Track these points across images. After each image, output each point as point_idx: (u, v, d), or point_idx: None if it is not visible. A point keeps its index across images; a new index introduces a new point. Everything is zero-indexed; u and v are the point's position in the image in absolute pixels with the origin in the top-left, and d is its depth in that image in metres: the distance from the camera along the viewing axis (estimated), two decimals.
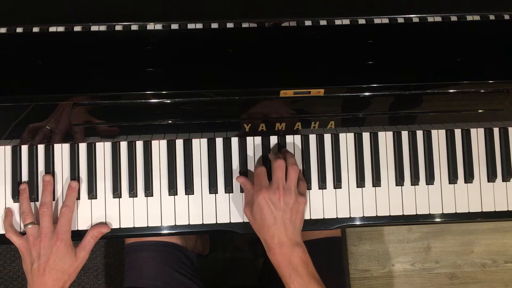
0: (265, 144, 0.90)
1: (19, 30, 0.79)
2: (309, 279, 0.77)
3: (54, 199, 0.86)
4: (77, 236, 0.86)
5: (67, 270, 0.81)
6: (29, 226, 0.82)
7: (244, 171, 0.89)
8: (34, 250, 0.81)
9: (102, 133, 0.85)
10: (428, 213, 0.91)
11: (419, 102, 0.85)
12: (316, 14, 0.81)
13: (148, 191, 0.88)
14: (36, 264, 0.80)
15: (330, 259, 1.01)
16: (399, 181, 0.90)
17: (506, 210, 0.91)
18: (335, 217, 0.90)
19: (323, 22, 0.82)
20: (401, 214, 0.90)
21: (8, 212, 0.86)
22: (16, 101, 0.79)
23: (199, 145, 0.89)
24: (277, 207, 0.79)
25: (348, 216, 0.90)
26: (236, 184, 0.89)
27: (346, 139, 0.90)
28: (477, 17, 0.82)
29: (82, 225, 0.87)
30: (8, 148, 0.87)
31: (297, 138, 0.90)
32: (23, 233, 0.85)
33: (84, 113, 0.81)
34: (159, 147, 0.89)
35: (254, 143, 0.90)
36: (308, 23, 0.82)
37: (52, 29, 0.80)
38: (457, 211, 0.91)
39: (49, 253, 0.80)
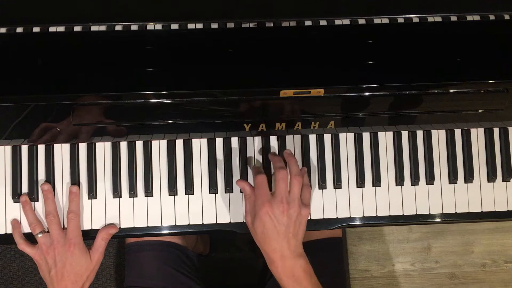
0: (265, 144, 0.90)
1: (19, 30, 0.79)
2: None
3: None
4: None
5: (84, 272, 0.82)
6: (39, 236, 0.83)
7: (244, 171, 0.89)
8: (49, 258, 0.82)
9: (102, 133, 0.85)
10: (428, 213, 0.91)
11: (419, 102, 0.85)
12: (316, 14, 0.81)
13: (148, 191, 0.88)
14: (53, 270, 0.81)
15: (330, 259, 1.01)
16: (399, 181, 0.90)
17: (506, 210, 0.91)
18: (335, 217, 0.90)
19: (323, 22, 0.82)
20: (401, 214, 0.90)
21: (15, 223, 0.86)
22: (16, 101, 0.79)
23: (199, 145, 0.89)
24: (280, 221, 0.78)
25: (348, 216, 0.90)
26: (236, 184, 0.89)
27: (346, 139, 0.90)
28: (477, 17, 0.82)
29: (82, 225, 0.87)
30: (8, 148, 0.87)
31: (297, 138, 0.90)
32: (26, 234, 0.85)
33: (84, 113, 0.81)
34: (159, 147, 0.89)
35: (254, 143, 0.90)
36: (308, 23, 0.82)
37: (52, 29, 0.80)
38: (457, 211, 0.91)
39: (64, 259, 0.81)
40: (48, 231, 0.84)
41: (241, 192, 0.89)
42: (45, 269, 0.82)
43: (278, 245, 0.77)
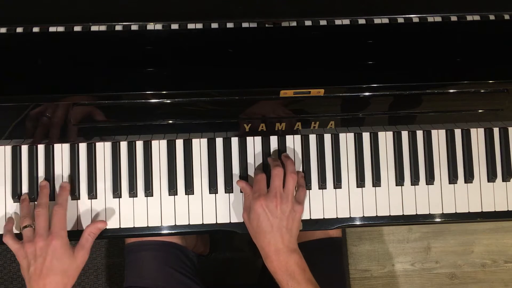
0: (265, 144, 0.90)
1: (19, 30, 0.79)
2: (306, 285, 0.78)
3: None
4: (78, 236, 0.85)
5: (66, 271, 0.78)
6: (25, 229, 0.81)
7: (244, 171, 0.89)
8: (29, 252, 0.78)
9: (102, 133, 0.85)
10: (428, 213, 0.91)
11: (419, 102, 0.85)
12: (316, 14, 0.81)
13: (148, 191, 0.88)
14: (32, 267, 0.77)
15: (330, 259, 1.01)
16: (399, 181, 0.90)
17: (506, 210, 0.91)
18: (335, 217, 0.90)
19: (323, 22, 0.82)
20: (401, 214, 0.90)
21: (10, 218, 0.86)
22: (16, 101, 0.79)
23: (199, 145, 0.89)
24: (273, 214, 0.80)
25: (348, 216, 0.90)
26: (236, 184, 0.89)
27: (346, 139, 0.90)
28: (477, 17, 0.83)
29: (82, 225, 0.87)
30: (8, 148, 0.87)
31: (297, 138, 0.90)
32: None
33: (84, 113, 0.81)
34: (159, 147, 0.89)
35: (254, 143, 0.90)
36: (308, 23, 0.82)
37: (52, 29, 0.80)
38: (457, 211, 0.91)
39: (45, 254, 0.77)
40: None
41: (241, 192, 0.89)
42: (25, 265, 0.78)
43: (273, 238, 0.79)
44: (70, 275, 0.79)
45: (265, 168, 0.89)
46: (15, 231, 0.85)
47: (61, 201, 0.83)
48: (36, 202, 0.87)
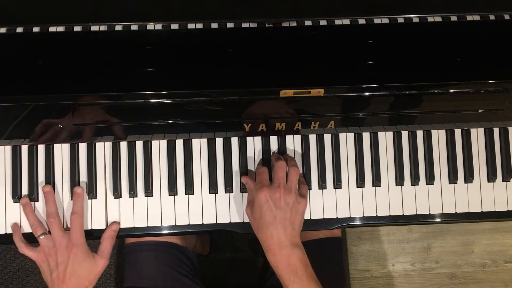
0: (265, 144, 0.90)
1: (19, 30, 0.79)
2: (308, 281, 0.77)
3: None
4: None
5: (87, 275, 0.82)
6: (41, 237, 0.82)
7: (244, 171, 0.89)
8: (51, 260, 0.81)
9: (102, 133, 0.85)
10: (428, 213, 0.91)
11: (419, 102, 0.85)
12: (316, 14, 0.81)
13: (148, 191, 0.88)
14: (55, 273, 0.80)
15: (330, 259, 1.01)
16: (399, 181, 0.90)
17: (506, 210, 0.91)
18: (335, 217, 0.90)
19: (323, 22, 0.82)
20: (401, 214, 0.90)
21: (15, 227, 0.86)
22: (16, 101, 0.79)
23: (199, 145, 0.89)
24: (277, 205, 0.79)
25: (348, 216, 0.90)
26: (236, 184, 0.89)
27: (346, 139, 0.90)
28: (477, 17, 0.83)
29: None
30: (8, 148, 0.87)
31: (297, 138, 0.90)
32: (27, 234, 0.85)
33: (84, 113, 0.81)
34: (159, 147, 0.89)
35: (254, 143, 0.90)
36: (308, 23, 0.82)
37: (52, 29, 0.80)
38: (457, 211, 0.91)
39: (66, 261, 0.80)
40: (50, 232, 0.84)
41: (241, 192, 0.89)
42: (47, 271, 0.82)
43: (275, 230, 0.78)
44: (90, 279, 0.82)
45: (265, 166, 0.89)
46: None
47: (78, 209, 0.84)
48: (37, 203, 0.87)
